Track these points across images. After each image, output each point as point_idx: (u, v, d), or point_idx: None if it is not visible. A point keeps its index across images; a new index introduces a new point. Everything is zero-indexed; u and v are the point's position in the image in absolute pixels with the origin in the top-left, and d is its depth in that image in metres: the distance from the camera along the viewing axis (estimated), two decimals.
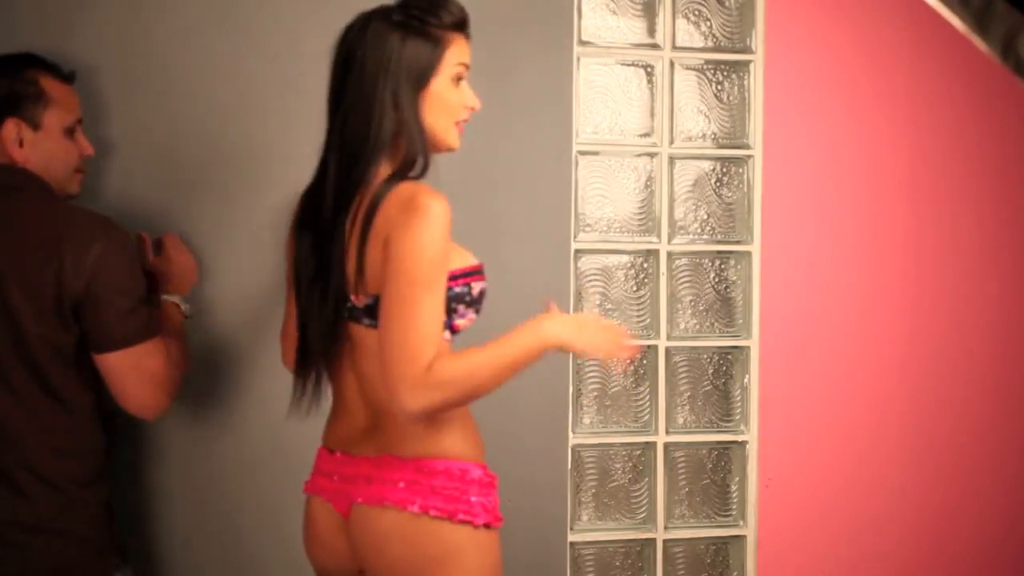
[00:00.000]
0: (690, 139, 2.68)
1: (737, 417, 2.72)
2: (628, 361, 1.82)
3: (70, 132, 2.02)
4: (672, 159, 2.66)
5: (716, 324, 2.71)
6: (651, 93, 2.65)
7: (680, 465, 2.69)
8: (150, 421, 1.94)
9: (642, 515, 2.67)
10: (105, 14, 2.30)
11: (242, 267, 2.33)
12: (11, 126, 1.94)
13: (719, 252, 2.70)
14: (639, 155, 2.65)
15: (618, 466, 2.66)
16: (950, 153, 2.80)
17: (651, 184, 2.65)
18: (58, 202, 1.97)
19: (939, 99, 2.78)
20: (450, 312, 1.70)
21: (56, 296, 1.84)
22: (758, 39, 2.67)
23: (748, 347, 2.69)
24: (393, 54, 1.72)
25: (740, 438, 2.71)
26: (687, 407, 2.69)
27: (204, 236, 2.34)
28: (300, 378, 1.82)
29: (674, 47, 2.65)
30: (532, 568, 2.52)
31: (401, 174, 1.72)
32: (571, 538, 2.59)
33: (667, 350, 2.66)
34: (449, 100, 1.76)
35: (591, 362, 2.62)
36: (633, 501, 2.67)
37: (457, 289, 1.71)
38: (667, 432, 2.67)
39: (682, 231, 2.68)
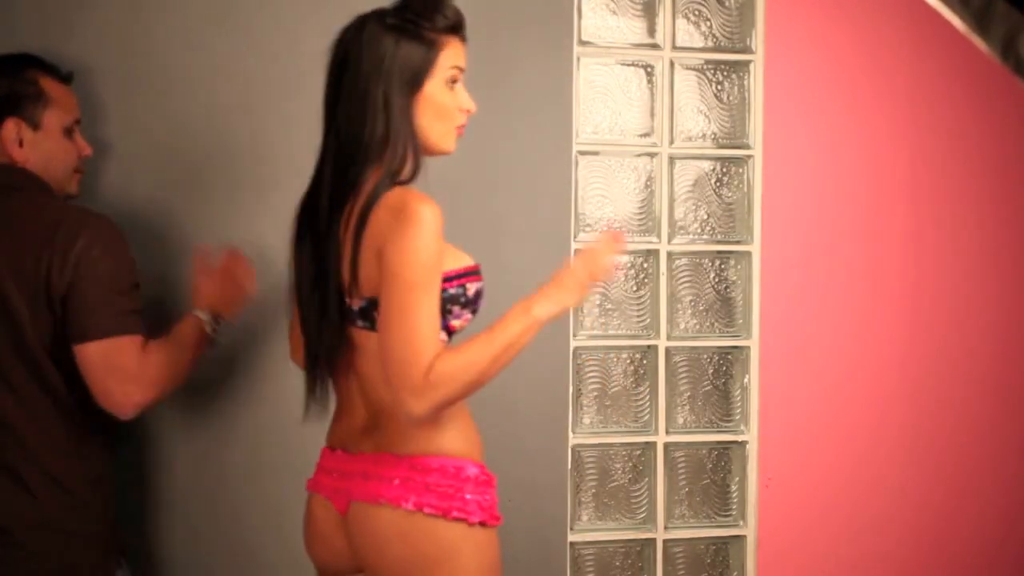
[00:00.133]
0: (690, 139, 2.68)
1: (737, 417, 2.72)
2: (616, 270, 1.83)
3: (69, 132, 2.03)
4: (672, 159, 2.66)
5: (716, 324, 2.71)
6: (651, 93, 2.65)
7: (680, 465, 2.69)
8: (124, 418, 1.91)
9: (642, 515, 2.67)
10: (104, 15, 2.30)
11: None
12: (11, 126, 1.95)
13: (719, 252, 2.70)
14: (639, 155, 2.65)
15: (618, 466, 2.66)
16: (950, 153, 2.80)
17: (651, 184, 2.65)
18: (56, 202, 1.97)
19: (939, 99, 2.78)
20: (445, 313, 1.71)
21: (46, 293, 1.85)
22: (758, 39, 2.67)
23: (748, 347, 2.69)
24: (386, 57, 1.72)
25: (740, 438, 2.71)
26: (687, 407, 2.70)
27: (204, 237, 2.34)
28: (310, 380, 1.84)
29: (674, 47, 2.65)
30: (532, 568, 2.52)
31: (391, 178, 1.72)
32: (571, 538, 2.59)
33: (667, 350, 2.66)
34: (443, 103, 1.77)
35: (591, 362, 2.63)
36: (633, 501, 2.67)
37: (451, 290, 1.71)
38: (667, 432, 2.67)
39: (682, 231, 2.68)
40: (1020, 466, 2.85)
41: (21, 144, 1.96)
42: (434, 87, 1.75)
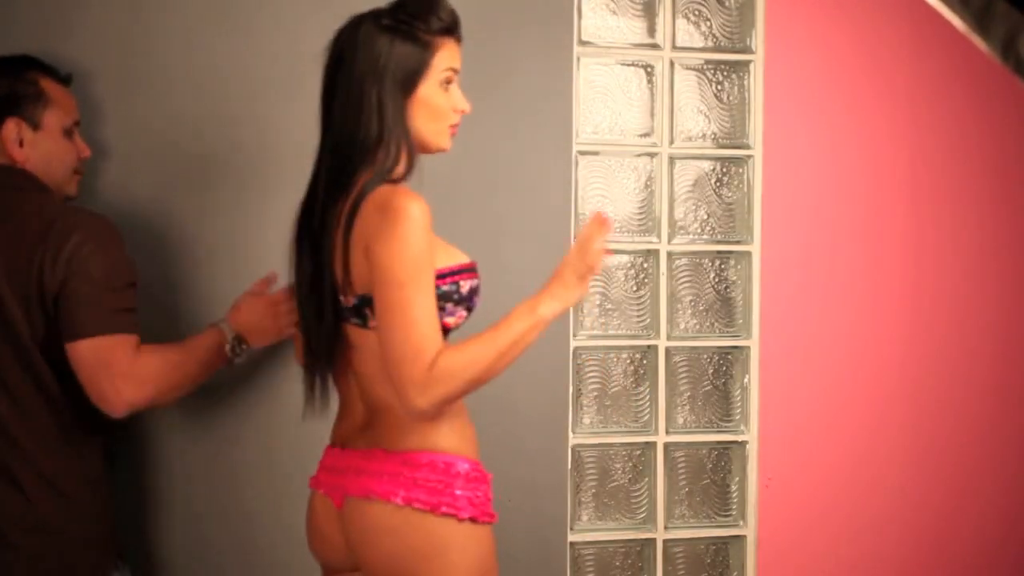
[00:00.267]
0: (690, 139, 2.68)
1: (737, 417, 2.72)
2: (608, 254, 1.85)
3: (68, 133, 2.04)
4: (672, 159, 2.66)
5: (716, 324, 2.71)
6: (651, 93, 2.65)
7: (680, 465, 2.69)
8: (117, 417, 1.91)
9: (642, 515, 2.67)
10: (103, 15, 2.30)
11: (244, 268, 2.32)
12: (11, 126, 1.95)
13: (719, 252, 2.70)
14: (639, 155, 2.65)
15: (618, 466, 2.66)
16: (950, 153, 2.80)
17: (651, 184, 2.65)
18: (53, 202, 1.97)
19: (939, 99, 2.78)
20: (439, 310, 1.72)
21: (39, 291, 1.85)
22: (758, 39, 2.67)
23: (748, 347, 2.69)
24: (381, 58, 1.74)
25: (740, 438, 2.71)
26: (687, 407, 2.70)
27: (204, 238, 2.34)
28: (309, 379, 1.86)
29: (674, 47, 2.65)
30: (532, 568, 2.52)
31: (383, 176, 1.73)
32: (571, 538, 2.59)
33: (667, 350, 2.66)
34: (438, 104, 1.79)
35: (591, 362, 2.63)
36: (633, 501, 2.67)
37: (444, 288, 1.73)
38: (667, 432, 2.67)
39: (682, 231, 2.68)
40: (1020, 466, 2.85)
41: (21, 144, 1.96)
42: (428, 88, 1.77)
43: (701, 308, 2.70)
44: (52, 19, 2.28)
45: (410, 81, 1.76)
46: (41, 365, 1.88)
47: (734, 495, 2.72)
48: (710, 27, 2.67)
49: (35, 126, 1.97)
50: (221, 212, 2.36)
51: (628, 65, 2.64)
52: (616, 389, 2.65)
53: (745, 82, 2.69)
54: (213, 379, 2.24)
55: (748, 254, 2.69)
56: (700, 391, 2.70)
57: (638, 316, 2.66)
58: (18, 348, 1.86)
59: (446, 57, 1.79)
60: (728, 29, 2.68)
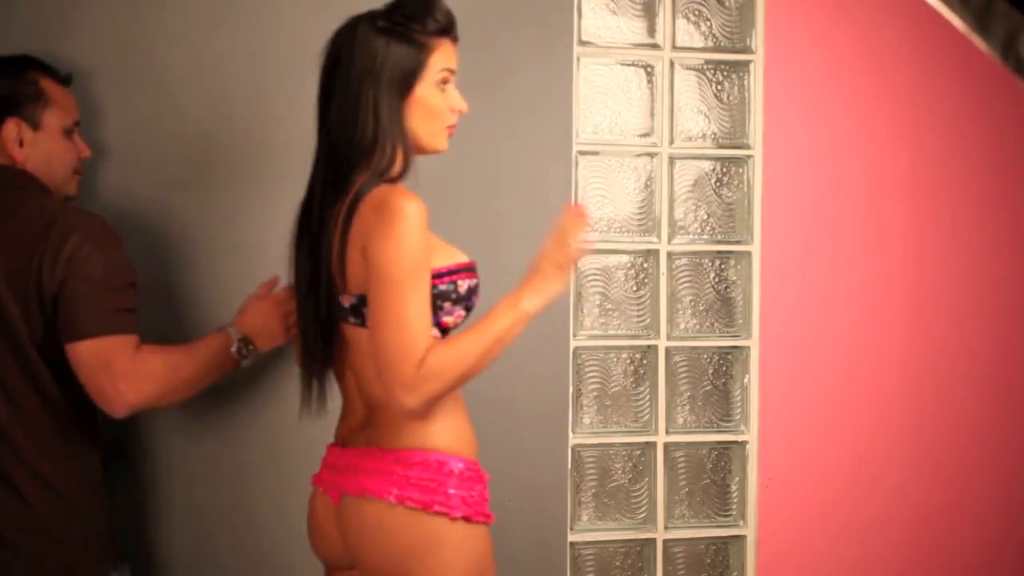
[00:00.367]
0: (690, 139, 2.68)
1: (737, 417, 2.72)
2: (588, 246, 1.86)
3: (68, 133, 2.03)
4: (672, 159, 2.66)
5: (716, 324, 2.71)
6: (651, 93, 2.65)
7: (680, 465, 2.69)
8: (118, 417, 1.91)
9: (642, 515, 2.67)
10: (102, 16, 2.30)
11: (244, 268, 2.32)
12: (12, 126, 1.95)
13: (719, 252, 2.70)
14: (639, 155, 2.65)
15: (618, 466, 2.66)
16: (950, 153, 2.80)
17: (651, 184, 2.65)
18: (52, 202, 1.97)
19: (939, 99, 2.78)
20: (436, 310, 1.73)
21: (38, 291, 1.84)
22: (758, 39, 2.67)
23: (748, 347, 2.69)
24: (377, 59, 1.74)
25: (740, 438, 2.71)
26: (687, 407, 2.70)
27: (204, 238, 2.34)
28: (306, 379, 1.87)
29: (674, 47, 2.65)
30: (532, 568, 2.52)
31: (379, 176, 1.74)
32: (571, 538, 2.59)
33: (667, 350, 2.66)
34: (434, 104, 1.79)
35: (591, 362, 2.63)
36: (633, 501, 2.67)
37: (442, 287, 1.73)
38: (667, 432, 2.67)
39: (682, 231, 2.68)
40: (1020, 466, 2.85)
41: (21, 144, 1.96)
42: (424, 89, 1.78)
43: (701, 308, 2.70)
44: (51, 19, 2.28)
45: (406, 82, 1.76)
46: (39, 365, 1.87)
47: (734, 495, 2.72)
48: (710, 27, 2.67)
49: (35, 126, 1.97)
50: (221, 212, 2.36)
51: (628, 65, 2.64)
52: (616, 389, 2.65)
53: (745, 82, 2.69)
54: (216, 379, 2.24)
55: (748, 254, 2.69)
56: (700, 391, 2.70)
57: (638, 316, 2.66)
58: (16, 348, 1.86)
59: (442, 58, 1.79)
60: (728, 29, 2.68)
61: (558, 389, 2.55)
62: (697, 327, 2.69)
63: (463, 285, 1.76)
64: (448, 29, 1.80)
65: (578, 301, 2.61)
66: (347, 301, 1.76)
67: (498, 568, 1.85)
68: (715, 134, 2.69)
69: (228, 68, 2.35)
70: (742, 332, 2.71)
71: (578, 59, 2.58)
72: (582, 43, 2.59)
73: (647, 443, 2.66)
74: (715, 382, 2.71)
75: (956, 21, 1.16)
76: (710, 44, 2.67)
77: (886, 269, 2.77)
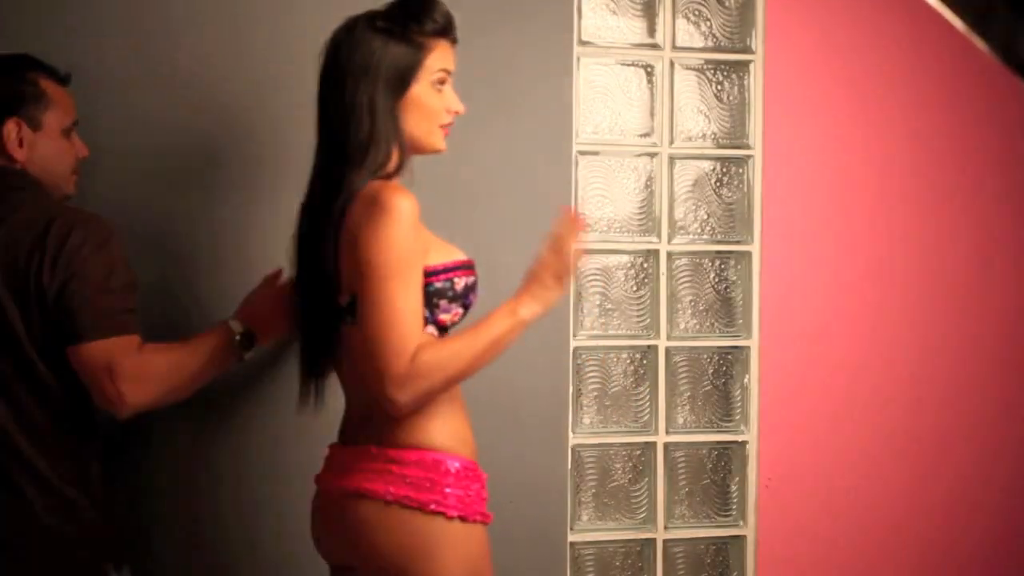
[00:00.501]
0: (690, 139, 2.67)
1: (737, 417, 2.72)
2: (585, 253, 1.88)
3: (67, 133, 2.03)
4: (672, 159, 2.66)
5: (716, 324, 2.71)
6: (651, 93, 2.65)
7: (680, 465, 2.69)
8: (120, 418, 1.91)
9: (642, 515, 2.67)
10: (101, 15, 2.29)
11: (243, 267, 2.32)
12: (12, 126, 1.95)
13: (719, 252, 2.70)
14: (639, 155, 2.65)
15: (618, 466, 2.66)
16: (950, 153, 2.79)
17: (651, 184, 2.65)
18: (50, 202, 1.97)
19: (939, 99, 2.78)
20: (432, 307, 1.73)
21: (38, 293, 1.84)
22: (758, 39, 2.67)
23: (748, 347, 2.69)
24: (373, 59, 1.75)
25: (740, 438, 2.71)
26: (687, 407, 2.69)
27: (203, 239, 2.34)
28: (305, 378, 1.88)
29: (674, 47, 2.65)
30: (532, 568, 2.52)
31: (372, 174, 1.74)
32: (571, 538, 2.59)
33: (667, 350, 2.66)
34: (431, 105, 1.80)
35: (591, 362, 2.63)
36: (633, 501, 2.67)
37: (438, 284, 1.73)
38: (667, 432, 2.67)
39: (682, 231, 2.67)
40: (1021, 467, 2.85)
41: (21, 144, 1.96)
42: (421, 89, 1.78)
43: (701, 308, 2.70)
44: (51, 19, 2.27)
45: (402, 81, 1.77)
46: (38, 365, 1.87)
47: (734, 495, 2.72)
48: (710, 27, 2.67)
49: (35, 127, 1.97)
50: (220, 212, 2.36)
51: (628, 65, 2.64)
52: (616, 389, 2.65)
53: (745, 82, 2.69)
54: (218, 379, 2.24)
55: (748, 254, 2.69)
56: (700, 391, 2.70)
57: (638, 316, 2.66)
58: (15, 348, 1.86)
59: (439, 58, 1.80)
60: (728, 29, 2.68)
61: (558, 389, 2.55)
62: (697, 327, 2.69)
63: (460, 283, 1.76)
64: (446, 30, 1.81)
65: (578, 301, 2.60)
66: (344, 300, 1.76)
67: (498, 568, 1.85)
68: (715, 134, 2.68)
69: (228, 68, 2.35)
70: (742, 332, 2.71)
71: (578, 59, 2.58)
72: (582, 43, 2.59)
73: (647, 443, 2.66)
74: (715, 382, 2.71)
75: (956, 21, 1.16)
76: (710, 44, 2.67)
77: (887, 269, 2.77)
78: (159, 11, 2.32)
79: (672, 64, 2.65)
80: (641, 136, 2.65)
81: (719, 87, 2.69)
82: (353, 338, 1.77)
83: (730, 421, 2.72)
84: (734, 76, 2.69)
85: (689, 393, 2.69)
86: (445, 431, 1.78)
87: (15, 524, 1.86)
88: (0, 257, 1.86)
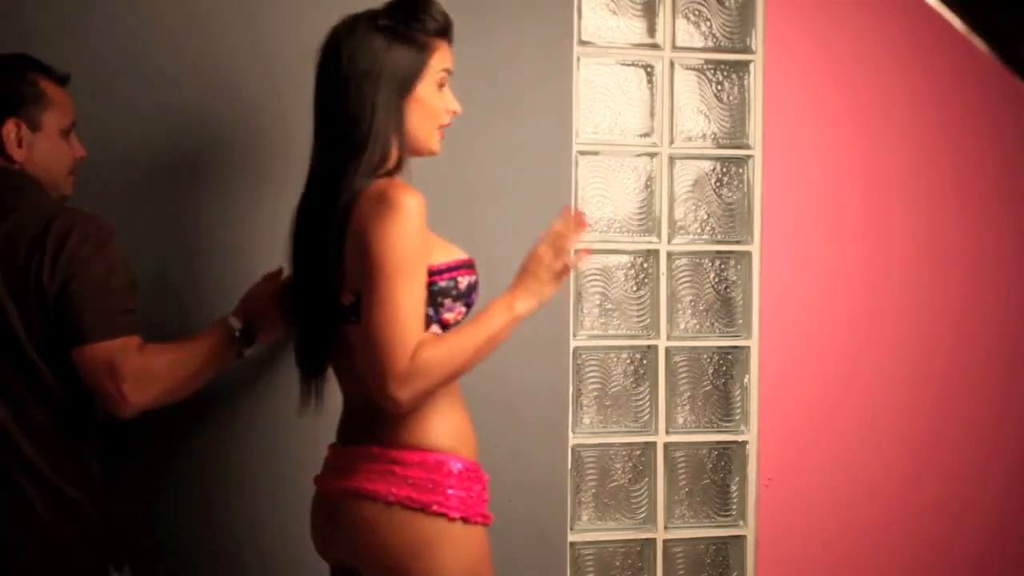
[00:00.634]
0: (690, 139, 2.67)
1: (737, 417, 2.72)
2: (583, 254, 1.88)
3: (65, 134, 2.03)
4: (672, 159, 2.66)
5: (716, 324, 2.71)
6: (651, 93, 2.65)
7: (680, 465, 2.69)
8: (123, 418, 1.91)
9: (642, 515, 2.67)
10: (99, 16, 2.29)
11: (241, 267, 2.32)
12: (11, 126, 1.95)
13: (719, 252, 2.70)
14: (639, 155, 2.65)
15: (618, 466, 2.66)
16: (950, 153, 2.80)
17: (651, 184, 2.65)
18: (49, 202, 1.97)
19: (939, 99, 2.78)
20: (436, 306, 1.73)
21: (38, 293, 1.84)
22: (758, 39, 2.67)
23: (748, 347, 2.69)
24: (378, 60, 1.75)
25: (740, 438, 2.71)
26: (687, 407, 2.69)
27: (202, 237, 2.34)
28: (304, 378, 1.88)
29: (674, 47, 2.65)
30: (532, 568, 2.52)
31: (372, 173, 1.74)
32: (571, 538, 2.59)
33: (667, 350, 2.66)
34: (433, 105, 1.80)
35: (591, 362, 2.63)
36: (633, 501, 2.67)
37: (442, 283, 1.73)
38: (667, 432, 2.67)
39: (682, 231, 2.68)
40: (1021, 466, 2.85)
41: (20, 145, 1.96)
42: (425, 90, 1.79)
43: (701, 308, 2.70)
44: (49, 19, 2.27)
45: (408, 82, 1.77)
46: (37, 365, 1.87)
47: (734, 495, 2.72)
48: (710, 27, 2.67)
49: (34, 127, 1.97)
50: (220, 212, 2.35)
51: (628, 65, 2.64)
52: (616, 389, 2.65)
53: (745, 82, 2.69)
54: (217, 379, 2.24)
55: (748, 254, 2.69)
56: (700, 391, 2.70)
57: (638, 316, 2.66)
58: (15, 347, 1.86)
59: (441, 58, 1.80)
60: (728, 29, 2.68)
61: (558, 389, 2.55)
62: (697, 327, 2.69)
63: (463, 281, 1.77)
64: (446, 30, 1.81)
65: (578, 301, 2.60)
66: (347, 300, 1.76)
67: (498, 568, 1.85)
68: (715, 134, 2.68)
69: (227, 68, 2.35)
70: (742, 332, 2.71)
71: (578, 59, 2.58)
72: (582, 43, 2.59)
73: (647, 443, 2.66)
74: (715, 382, 2.71)
75: (956, 21, 1.16)
76: (710, 44, 2.67)
77: (886, 269, 2.77)
78: (157, 11, 2.32)
79: (672, 64, 2.65)
80: (641, 136, 2.65)
81: (719, 87, 2.69)
82: (355, 338, 1.76)
83: (730, 421, 2.72)
84: (734, 76, 2.69)
85: (689, 393, 2.69)
86: (447, 432, 1.78)
87: (15, 524, 1.86)
88: (1, 259, 1.86)
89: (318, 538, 1.89)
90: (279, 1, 2.37)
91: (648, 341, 2.65)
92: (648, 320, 2.66)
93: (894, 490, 2.78)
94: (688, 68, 2.67)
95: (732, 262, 2.71)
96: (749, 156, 2.69)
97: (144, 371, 1.88)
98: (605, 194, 2.63)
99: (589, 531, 2.63)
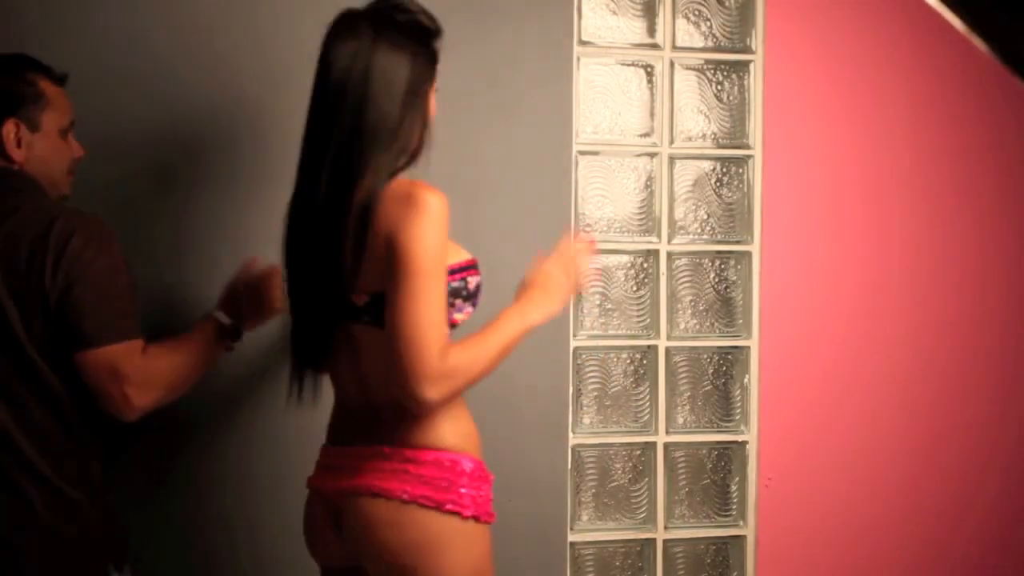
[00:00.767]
0: (690, 139, 2.68)
1: (737, 417, 2.72)
2: (595, 276, 1.93)
3: (64, 134, 2.03)
4: (672, 159, 2.66)
5: (716, 324, 2.71)
6: (651, 93, 2.65)
7: (680, 465, 2.69)
8: (127, 421, 1.91)
9: (642, 515, 2.67)
10: (98, 15, 2.29)
11: (238, 266, 2.32)
12: (11, 126, 1.95)
13: (719, 252, 2.70)
14: (639, 155, 2.65)
15: (618, 466, 2.66)
16: (950, 153, 2.80)
17: (651, 184, 2.65)
18: (50, 203, 1.97)
19: (939, 99, 2.78)
20: (448, 307, 1.72)
21: (40, 294, 1.84)
22: (758, 39, 2.67)
23: (748, 347, 2.69)
24: (407, 59, 1.75)
25: (740, 438, 2.71)
26: (687, 407, 2.69)
27: (200, 237, 2.34)
28: (296, 375, 1.86)
29: (674, 47, 2.65)
30: (532, 568, 2.52)
31: (391, 173, 1.74)
32: (571, 538, 2.59)
33: (667, 350, 2.66)
34: (432, 108, 1.84)
35: (591, 362, 2.63)
36: (633, 501, 2.67)
37: (454, 284, 1.74)
38: (667, 432, 2.67)
39: (682, 231, 2.68)
40: (1021, 467, 2.85)
41: (19, 145, 1.96)
42: (431, 93, 1.80)
43: (701, 308, 2.70)
44: (47, 19, 2.27)
45: (426, 85, 1.79)
46: (39, 365, 1.87)
47: (734, 495, 2.72)
48: (710, 27, 2.67)
49: (34, 127, 1.97)
50: (219, 212, 2.35)
51: (628, 65, 2.64)
52: (616, 389, 2.65)
53: (745, 82, 2.69)
54: (217, 379, 2.25)
55: (748, 254, 2.69)
56: (700, 391, 2.70)
57: (638, 316, 2.66)
58: (15, 348, 1.86)
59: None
60: (728, 29, 2.68)
61: (558, 389, 2.55)
62: (697, 327, 2.69)
63: (472, 282, 1.78)
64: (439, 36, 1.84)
65: (578, 301, 2.60)
66: (360, 300, 1.74)
67: (498, 568, 1.85)
68: (715, 134, 2.68)
69: (227, 67, 2.35)
70: (742, 332, 2.71)
71: (578, 59, 2.58)
72: (582, 43, 2.59)
73: (647, 443, 2.66)
74: (715, 382, 2.71)
75: (956, 21, 1.16)
76: (710, 44, 2.67)
77: (886, 269, 2.77)
78: (158, 11, 2.32)
79: (672, 64, 2.65)
80: (641, 136, 2.65)
81: (719, 87, 2.69)
82: (368, 339, 1.76)
83: (730, 421, 2.72)
84: (734, 76, 2.69)
85: (689, 393, 2.69)
86: (457, 432, 1.78)
87: (15, 524, 1.86)
88: (0, 258, 1.85)
89: (315, 541, 1.88)
90: (279, 1, 2.37)
91: (648, 341, 2.65)
92: (648, 320, 2.66)
93: (894, 490, 2.79)
94: (688, 68, 2.67)
95: (732, 262, 2.71)
96: (749, 156, 2.69)
97: (148, 374, 1.89)
98: (605, 194, 2.63)
99: (589, 531, 2.63)
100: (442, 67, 1.84)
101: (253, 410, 2.39)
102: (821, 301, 2.74)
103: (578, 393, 2.62)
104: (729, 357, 2.72)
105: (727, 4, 2.67)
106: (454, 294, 1.74)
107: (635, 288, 2.66)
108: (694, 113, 2.68)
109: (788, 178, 2.70)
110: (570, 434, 2.58)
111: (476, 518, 1.75)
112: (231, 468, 2.39)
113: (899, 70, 2.76)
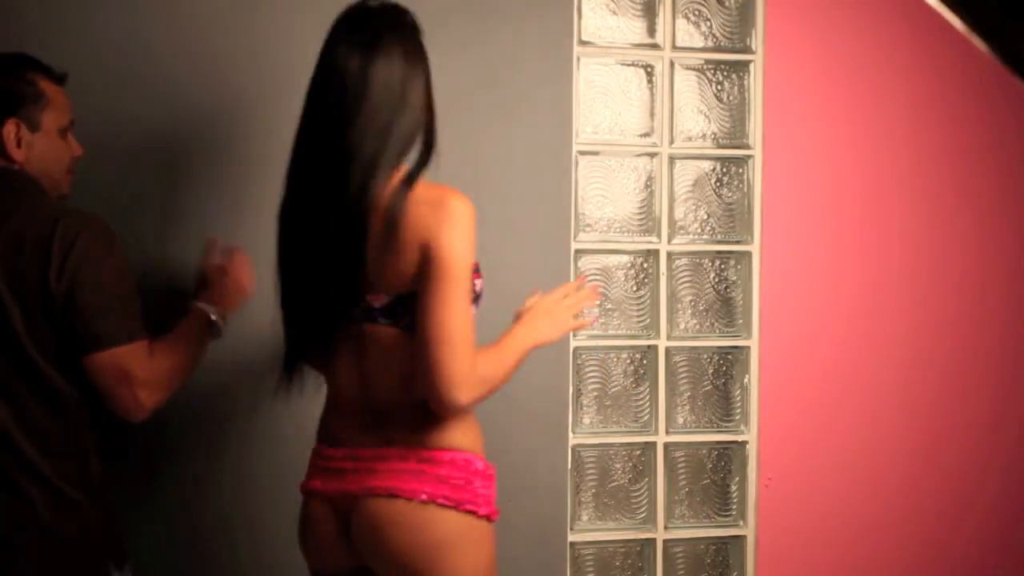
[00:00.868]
0: (690, 139, 2.67)
1: (737, 417, 2.72)
2: (593, 311, 1.98)
3: (63, 133, 2.03)
4: (672, 159, 2.66)
5: (716, 324, 2.71)
6: (651, 93, 2.65)
7: (680, 465, 2.69)
8: (136, 422, 1.92)
9: (642, 515, 2.67)
10: (97, 16, 2.29)
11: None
12: (11, 126, 1.94)
13: (719, 252, 2.70)
14: (639, 155, 2.65)
15: (618, 466, 2.66)
16: (950, 153, 2.80)
17: (651, 184, 2.65)
18: (51, 203, 1.97)
19: (939, 99, 2.78)
20: None
21: (43, 295, 1.84)
22: (758, 39, 2.67)
23: (748, 347, 2.69)
24: (421, 59, 1.78)
25: (740, 438, 2.71)
26: (687, 407, 2.69)
27: (199, 236, 2.34)
28: (287, 372, 1.86)
29: (674, 47, 2.65)
30: (532, 568, 2.52)
31: (413, 177, 1.74)
32: (571, 538, 2.59)
33: (667, 350, 2.66)
34: (434, 108, 1.84)
35: (591, 362, 2.63)
36: (633, 501, 2.67)
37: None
38: (667, 432, 2.67)
39: (682, 231, 2.68)
40: (1021, 467, 2.85)
41: (19, 145, 1.95)
42: (431, 91, 1.82)
43: (701, 308, 2.70)
44: (47, 19, 2.27)
45: (427, 83, 1.80)
46: (39, 365, 1.87)
47: (734, 495, 2.72)
48: (710, 27, 2.67)
49: (34, 127, 1.97)
50: (214, 211, 2.35)
51: (628, 65, 2.64)
52: (616, 389, 2.65)
53: (745, 82, 2.69)
54: (216, 380, 2.25)
55: (748, 254, 2.69)
56: (700, 391, 2.70)
57: (638, 316, 2.66)
58: (16, 348, 1.86)
59: None
60: (728, 29, 2.68)
61: (558, 389, 2.55)
62: (697, 327, 2.69)
63: (478, 284, 1.80)
64: None
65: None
66: (379, 301, 1.74)
67: (498, 568, 1.85)
68: (715, 134, 2.68)
69: (227, 67, 2.35)
70: (742, 332, 2.71)
71: (578, 59, 2.58)
72: (582, 43, 2.59)
73: (647, 443, 2.66)
74: (715, 382, 2.71)
75: (956, 21, 1.16)
76: (710, 44, 2.67)
77: (886, 269, 2.77)
78: (157, 12, 2.32)
79: (672, 64, 2.65)
80: (641, 136, 2.65)
81: (719, 87, 2.69)
82: (383, 340, 1.76)
83: (730, 421, 2.72)
84: (734, 76, 2.69)
85: (689, 393, 2.69)
86: (467, 432, 1.80)
87: (15, 524, 1.86)
88: (1, 258, 1.85)
89: (315, 545, 1.85)
90: (279, 1, 2.37)
91: (648, 341, 2.65)
92: (648, 320, 2.66)
93: (894, 490, 2.78)
94: (688, 68, 2.67)
95: (732, 262, 2.71)
96: (749, 156, 2.69)
97: (155, 375, 1.91)
98: (605, 194, 2.63)
99: (589, 531, 2.63)
100: (442, 67, 1.84)
101: (252, 411, 2.39)
102: (821, 301, 2.74)
103: (578, 393, 2.62)
104: (729, 357, 2.72)
105: (727, 4, 2.67)
106: None
107: (635, 288, 2.66)
108: (694, 113, 2.68)
109: (788, 178, 2.70)
110: (570, 434, 2.58)
111: (488, 517, 1.78)
112: (230, 468, 2.39)
113: (899, 70, 2.75)
